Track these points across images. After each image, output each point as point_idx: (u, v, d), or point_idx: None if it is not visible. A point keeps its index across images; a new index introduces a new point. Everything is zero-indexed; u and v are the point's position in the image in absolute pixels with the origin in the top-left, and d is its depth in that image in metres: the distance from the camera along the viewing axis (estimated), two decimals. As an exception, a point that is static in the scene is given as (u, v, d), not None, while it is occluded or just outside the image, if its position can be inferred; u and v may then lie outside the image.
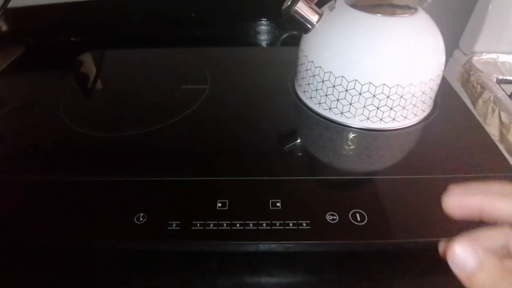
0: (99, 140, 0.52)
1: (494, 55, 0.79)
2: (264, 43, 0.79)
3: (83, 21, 0.79)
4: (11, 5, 0.67)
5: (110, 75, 0.70)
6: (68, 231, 0.38)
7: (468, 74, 0.79)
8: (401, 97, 0.48)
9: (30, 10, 0.77)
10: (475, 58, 0.80)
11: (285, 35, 0.76)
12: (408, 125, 0.52)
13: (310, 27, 0.51)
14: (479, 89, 0.76)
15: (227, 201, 0.41)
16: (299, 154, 0.50)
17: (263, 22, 0.79)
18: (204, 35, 0.80)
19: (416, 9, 0.51)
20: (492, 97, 0.73)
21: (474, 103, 0.76)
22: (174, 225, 0.39)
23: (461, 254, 0.20)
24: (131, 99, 0.62)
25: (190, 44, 0.79)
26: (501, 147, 0.58)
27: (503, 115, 0.70)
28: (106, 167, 0.46)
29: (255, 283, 0.40)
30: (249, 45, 0.80)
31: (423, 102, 0.51)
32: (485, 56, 0.80)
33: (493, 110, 0.72)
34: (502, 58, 0.78)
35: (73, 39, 0.80)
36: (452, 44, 0.86)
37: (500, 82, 0.75)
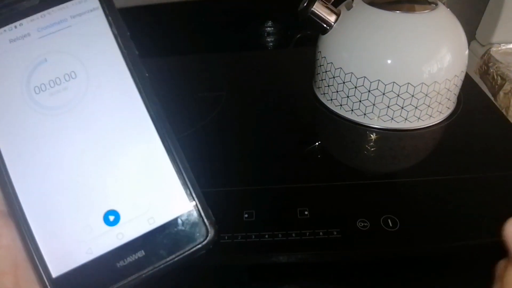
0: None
1: (513, 45, 0.77)
2: (276, 45, 0.78)
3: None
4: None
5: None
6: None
7: (487, 66, 0.77)
8: (426, 95, 0.47)
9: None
10: (493, 49, 0.78)
11: (298, 36, 0.75)
12: (434, 123, 0.50)
13: (328, 28, 0.50)
14: (499, 80, 0.74)
15: (253, 211, 0.40)
16: (323, 158, 0.49)
17: (275, 23, 0.78)
18: (215, 38, 0.79)
19: (436, 4, 0.49)
20: (514, 88, 0.71)
21: (494, 95, 0.74)
22: (201, 239, 0.38)
23: None
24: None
25: (201, 49, 0.78)
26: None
27: (527, 107, 0.68)
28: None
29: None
30: (261, 47, 0.79)
31: (448, 99, 0.50)
32: (503, 47, 0.77)
33: (516, 102, 0.70)
34: (522, 48, 0.76)
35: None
36: (468, 35, 0.83)
37: (521, 72, 0.73)
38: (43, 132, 0.17)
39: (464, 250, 0.38)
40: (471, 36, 0.83)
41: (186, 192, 0.18)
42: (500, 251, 0.38)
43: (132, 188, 0.17)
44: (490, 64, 0.76)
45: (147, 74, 0.19)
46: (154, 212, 0.17)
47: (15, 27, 0.18)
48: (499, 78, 0.74)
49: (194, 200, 0.18)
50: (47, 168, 0.17)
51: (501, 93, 0.73)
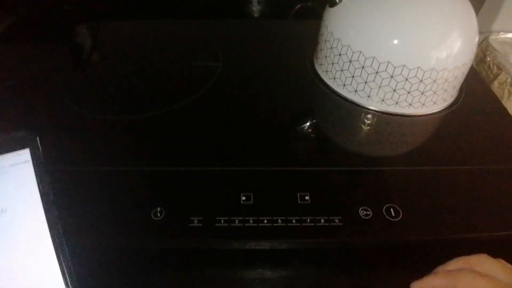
0: (106, 125, 0.47)
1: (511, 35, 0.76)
2: (273, 14, 0.74)
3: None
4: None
5: (111, 49, 0.64)
6: (78, 228, 0.34)
7: (484, 54, 0.76)
8: (435, 81, 0.45)
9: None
10: (492, 37, 0.76)
11: (297, 6, 0.70)
12: (437, 110, 0.49)
13: (337, 1, 0.47)
14: (495, 70, 0.73)
15: (251, 194, 0.38)
16: (324, 141, 0.46)
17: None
18: (209, 4, 0.74)
19: (451, -15, 0.46)
20: (509, 79, 0.70)
21: (488, 85, 0.74)
22: (196, 221, 0.35)
23: None
24: (137, 77, 0.56)
25: (193, 15, 0.73)
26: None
27: (521, 99, 0.68)
28: (116, 156, 0.42)
29: (280, 277, 0.38)
30: (256, 16, 0.75)
31: (454, 87, 0.48)
32: (502, 36, 0.76)
33: (510, 93, 0.70)
34: (521, 38, 0.75)
35: (67, 7, 0.73)
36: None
37: (517, 63, 0.72)
38: None
39: (464, 242, 0.37)
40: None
41: None
42: (496, 245, 0.37)
43: None
44: (487, 53, 0.75)
45: (56, 213, 0.27)
46: None
47: None
48: (495, 67, 0.73)
49: None
50: None
51: (496, 83, 0.72)
